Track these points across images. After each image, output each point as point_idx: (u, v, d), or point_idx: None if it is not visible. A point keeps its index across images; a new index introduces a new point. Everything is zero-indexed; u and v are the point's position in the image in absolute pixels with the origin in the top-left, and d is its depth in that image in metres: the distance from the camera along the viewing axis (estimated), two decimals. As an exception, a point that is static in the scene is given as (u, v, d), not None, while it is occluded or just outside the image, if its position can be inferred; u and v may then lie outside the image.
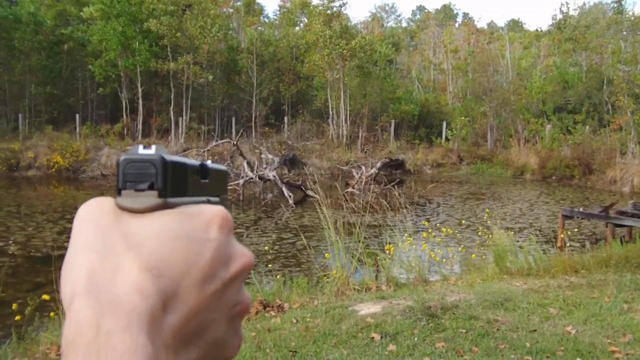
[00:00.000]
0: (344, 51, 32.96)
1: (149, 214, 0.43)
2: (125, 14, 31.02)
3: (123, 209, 0.43)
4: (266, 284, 8.52)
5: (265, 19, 54.49)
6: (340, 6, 38.10)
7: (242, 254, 0.47)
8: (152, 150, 0.44)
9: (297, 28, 40.50)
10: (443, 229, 12.03)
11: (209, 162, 0.52)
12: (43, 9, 34.87)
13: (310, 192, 16.82)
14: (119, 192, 0.43)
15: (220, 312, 0.46)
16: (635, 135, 28.22)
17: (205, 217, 0.45)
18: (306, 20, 41.88)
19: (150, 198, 0.43)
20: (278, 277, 8.21)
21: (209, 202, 0.50)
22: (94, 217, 0.43)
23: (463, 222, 14.65)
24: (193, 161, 0.49)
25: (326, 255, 8.62)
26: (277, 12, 54.11)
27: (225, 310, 0.46)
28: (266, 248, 11.13)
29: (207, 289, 0.43)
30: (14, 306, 6.65)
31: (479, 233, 12.47)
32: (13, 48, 31.74)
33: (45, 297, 6.53)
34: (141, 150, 0.44)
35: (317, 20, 35.35)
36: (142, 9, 31.28)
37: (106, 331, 0.36)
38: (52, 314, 6.31)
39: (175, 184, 0.45)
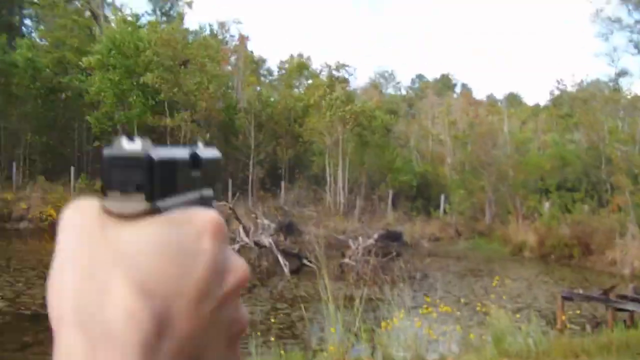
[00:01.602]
0: (346, 115, 33.17)
1: (136, 221, 0.39)
2: (121, 65, 31.23)
3: (110, 213, 0.39)
4: (260, 355, 8.29)
5: (265, 76, 55.02)
6: (349, 75, 38.78)
7: (238, 266, 0.43)
8: (138, 146, 0.40)
9: (295, 90, 40.91)
10: (441, 305, 11.84)
11: (200, 147, 0.48)
12: (41, 55, 35.00)
13: (307, 262, 16.66)
14: (103, 192, 0.40)
15: (218, 332, 0.42)
16: (634, 216, 28.18)
17: (197, 224, 0.41)
18: (305, 83, 42.36)
19: (138, 202, 0.39)
20: (281, 351, 8.00)
21: (201, 196, 0.46)
22: (78, 224, 0.40)
23: (462, 300, 14.46)
24: (183, 152, 0.45)
25: (332, 329, 8.41)
26: (277, 73, 54.85)
27: (222, 329, 0.42)
28: (273, 320, 10.92)
29: (202, 309, 0.39)
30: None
31: (477, 309, 12.28)
32: (10, 94, 31.76)
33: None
34: (126, 144, 0.40)
35: (320, 82, 35.77)
36: (138, 62, 31.52)
37: None
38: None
39: (164, 184, 0.41)
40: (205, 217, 0.42)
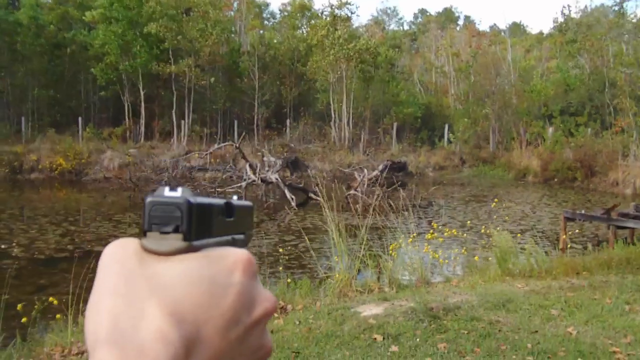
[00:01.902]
0: (350, 52, 32.99)
1: (173, 257, 0.43)
2: (124, 17, 31.09)
3: (148, 251, 0.43)
4: (270, 285, 8.54)
5: (268, 20, 54.53)
6: (351, 13, 38.34)
7: (266, 299, 0.47)
8: (178, 193, 0.44)
9: (298, 31, 40.57)
10: (446, 230, 12.05)
11: (234, 199, 0.53)
12: (45, 12, 34.95)
13: (312, 195, 16.84)
14: (144, 234, 0.44)
15: (243, 356, 0.45)
16: (637, 137, 28.22)
17: (229, 261, 0.45)
18: (307, 24, 41.92)
19: (175, 241, 0.43)
20: (283, 279, 8.23)
21: (233, 240, 0.51)
22: (118, 259, 0.43)
23: (468, 222, 14.67)
24: (219, 201, 0.49)
25: (335, 258, 8.63)
26: (279, 15, 54.24)
27: (248, 354, 0.46)
28: (281, 250, 11.14)
29: (230, 334, 0.43)
30: (19, 307, 6.68)
31: (482, 232, 12.49)
32: (15, 52, 31.87)
33: (53, 300, 6.56)
34: (167, 192, 0.45)
35: (323, 22, 35.43)
36: (141, 12, 31.36)
37: None
38: (57, 315, 6.33)
39: (200, 226, 0.45)
40: (237, 254, 0.46)
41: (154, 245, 0.43)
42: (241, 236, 0.53)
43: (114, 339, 0.38)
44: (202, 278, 0.42)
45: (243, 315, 0.44)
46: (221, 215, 0.49)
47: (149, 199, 0.44)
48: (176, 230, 0.43)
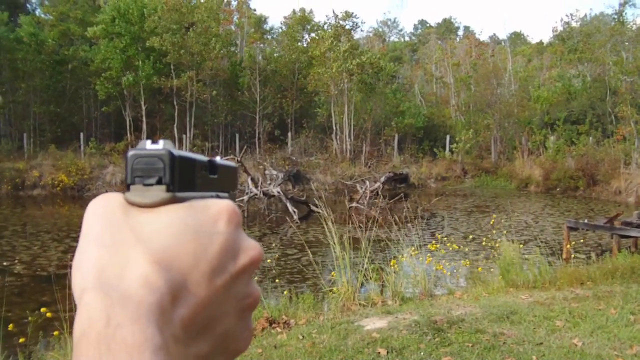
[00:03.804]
0: (353, 67, 33.12)
1: (157, 208, 0.44)
2: (126, 32, 31.28)
3: (132, 203, 0.44)
4: (272, 300, 8.52)
5: (268, 33, 54.72)
6: (354, 27, 38.47)
7: (251, 247, 0.48)
8: (160, 145, 0.45)
9: (299, 44, 40.74)
10: (449, 243, 12.03)
11: (218, 158, 0.53)
12: (47, 29, 35.19)
13: (314, 208, 16.82)
14: (127, 187, 0.44)
15: (230, 304, 0.46)
16: (639, 145, 28.21)
17: (213, 210, 0.46)
18: (308, 37, 42.09)
19: (159, 192, 0.43)
20: (285, 292, 8.21)
21: (217, 197, 0.50)
22: (103, 212, 0.44)
23: (471, 236, 14.65)
24: (201, 157, 0.50)
25: (332, 274, 8.60)
26: (280, 29, 54.40)
27: (234, 303, 0.47)
28: (269, 260, 11.15)
29: (215, 282, 0.43)
30: (10, 326, 6.66)
31: (483, 244, 12.46)
32: (16, 69, 32.02)
33: (48, 313, 6.54)
34: (149, 145, 0.45)
35: (326, 34, 35.56)
36: (143, 27, 31.55)
37: (116, 323, 0.37)
38: (55, 332, 6.31)
39: (183, 179, 0.45)
40: (221, 204, 0.47)
41: (137, 198, 0.44)
42: (225, 194, 0.53)
43: (100, 285, 0.39)
44: (186, 227, 0.43)
45: (229, 263, 0.45)
46: (204, 170, 0.50)
47: (131, 152, 0.44)
48: (159, 182, 0.44)
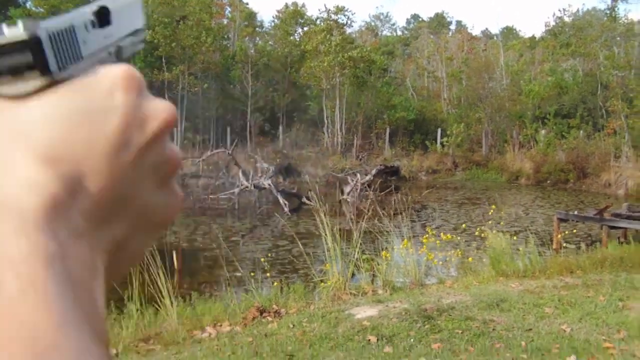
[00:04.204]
0: (345, 60, 33.12)
1: (35, 97, 0.37)
2: (118, 25, 31.24)
3: (3, 98, 0.37)
4: (263, 290, 8.53)
5: (260, 29, 54.67)
6: (347, 23, 38.58)
7: (160, 109, 0.42)
8: (19, 28, 0.35)
9: (291, 37, 40.70)
10: (442, 234, 12.07)
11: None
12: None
13: (305, 200, 16.84)
14: None
15: (144, 177, 0.41)
16: (629, 139, 28.35)
17: (105, 82, 0.39)
18: (301, 31, 42.07)
19: (33, 80, 0.36)
20: (275, 283, 8.22)
21: (119, 49, 0.44)
22: None
23: (464, 225, 14.70)
24: (83, 11, 0.41)
25: (326, 265, 8.61)
26: (272, 22, 54.31)
27: (150, 173, 0.42)
28: (262, 259, 11.15)
29: (120, 160, 0.38)
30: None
31: (477, 234, 12.51)
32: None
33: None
34: (6, 29, 0.36)
35: (319, 28, 35.59)
36: (135, 19, 31.49)
37: None
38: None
39: (62, 54, 0.37)
40: (114, 73, 0.40)
41: (8, 90, 0.36)
42: (130, 39, 0.46)
43: None
44: (74, 110, 0.37)
45: (133, 136, 0.39)
46: (92, 27, 0.41)
47: None
48: (31, 68, 0.36)
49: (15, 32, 0.35)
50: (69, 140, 0.36)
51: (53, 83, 0.37)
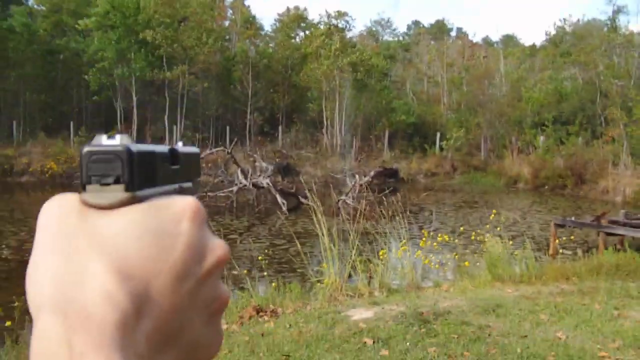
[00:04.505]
0: (343, 65, 33.20)
1: (115, 210, 0.39)
2: (121, 24, 31.18)
3: (88, 205, 0.39)
4: (260, 289, 8.54)
5: (262, 32, 54.67)
6: (347, 27, 38.65)
7: (217, 246, 0.44)
8: (117, 141, 0.41)
9: (292, 41, 40.74)
10: (439, 236, 12.08)
11: (179, 145, 0.50)
12: (39, 20, 35.09)
13: (303, 200, 16.84)
14: (83, 187, 0.40)
15: (197, 310, 0.43)
16: (627, 147, 28.42)
17: (176, 209, 0.41)
18: (302, 34, 42.14)
19: (117, 192, 0.39)
20: (274, 284, 8.23)
21: (181, 189, 0.48)
22: (58, 216, 0.39)
23: (462, 228, 14.71)
24: (162, 147, 0.46)
25: (323, 265, 8.62)
26: (274, 25, 54.30)
27: (202, 307, 0.43)
28: (260, 258, 11.15)
29: (181, 288, 0.40)
30: (-1, 310, 6.66)
31: (472, 238, 12.52)
32: (7, 57, 31.82)
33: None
34: (105, 140, 0.41)
35: (319, 31, 35.66)
36: (137, 20, 31.47)
37: (79, 352, 0.34)
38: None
39: (143, 175, 0.41)
40: (184, 202, 0.42)
41: (94, 199, 0.39)
42: (189, 184, 0.51)
43: (57, 303, 0.36)
44: (147, 230, 0.39)
45: (194, 266, 0.41)
46: (165, 162, 0.46)
47: (85, 149, 0.41)
48: (117, 181, 0.40)
49: (113, 143, 0.40)
50: (141, 258, 0.38)
51: (132, 200, 0.40)
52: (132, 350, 0.36)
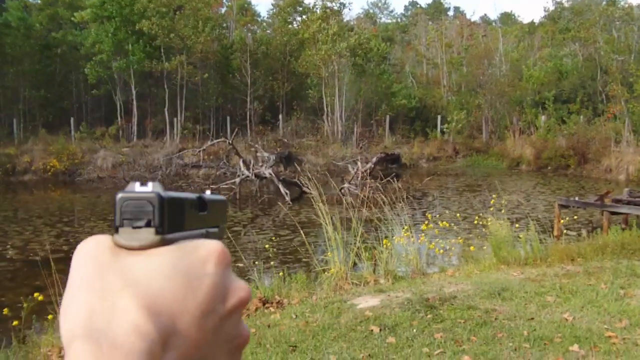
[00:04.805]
0: (342, 49, 33.09)
1: (146, 251, 0.43)
2: (118, 15, 31.06)
3: (121, 246, 0.43)
4: (265, 280, 8.56)
5: (258, 19, 54.53)
6: (341, 7, 38.44)
7: (240, 288, 0.47)
8: (149, 188, 0.45)
9: (289, 26, 40.57)
10: (441, 222, 12.07)
11: (207, 193, 0.53)
12: (34, 13, 34.91)
13: (306, 189, 16.83)
14: (116, 230, 0.44)
15: (220, 346, 0.46)
16: (629, 123, 28.32)
17: (202, 252, 0.45)
18: (299, 19, 41.92)
19: (148, 235, 0.43)
20: (279, 273, 8.24)
21: (207, 234, 0.51)
22: (92, 255, 0.43)
23: (463, 213, 14.72)
24: (191, 195, 0.49)
25: (329, 254, 8.62)
26: (270, 11, 54.20)
27: (224, 344, 0.47)
28: (267, 246, 11.15)
29: (205, 325, 0.43)
30: (5, 311, 6.66)
31: (475, 222, 12.51)
32: (5, 53, 31.75)
33: (40, 297, 6.54)
34: (138, 187, 0.45)
35: (315, 15, 35.51)
36: (133, 10, 31.35)
37: None
38: (49, 316, 6.32)
39: (172, 220, 0.45)
40: (211, 246, 0.46)
41: (126, 241, 0.43)
42: (215, 229, 0.54)
43: (89, 333, 0.38)
44: (175, 270, 0.43)
45: (218, 305, 0.45)
46: (194, 209, 0.49)
47: (119, 195, 0.44)
48: (148, 225, 0.43)
49: (145, 190, 0.44)
50: (169, 296, 0.42)
51: (162, 242, 0.44)
52: None
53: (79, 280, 0.42)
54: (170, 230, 0.44)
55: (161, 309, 0.41)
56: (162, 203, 0.44)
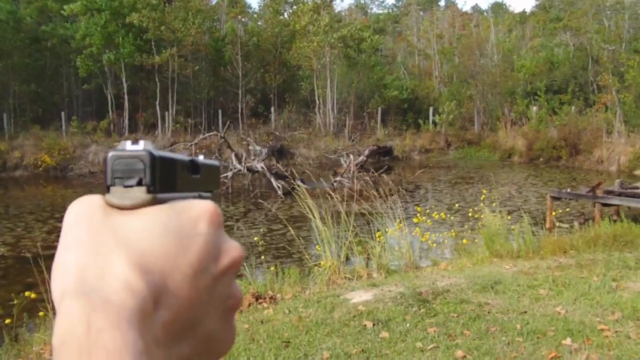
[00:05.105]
0: (334, 40, 33.03)
1: (138, 210, 0.43)
2: (107, 7, 30.88)
3: (112, 205, 0.43)
4: (258, 276, 8.54)
5: (249, 10, 54.39)
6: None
7: (232, 248, 0.47)
8: (140, 146, 0.44)
9: (280, 17, 40.46)
10: (434, 214, 12.08)
11: (200, 157, 0.53)
12: (23, 6, 34.63)
13: (299, 183, 16.81)
14: (107, 189, 0.43)
15: (212, 306, 0.46)
16: (620, 114, 28.38)
17: (194, 211, 0.45)
18: (290, 10, 41.80)
19: (139, 194, 0.43)
20: (272, 268, 8.22)
21: (200, 197, 0.50)
22: (83, 214, 0.43)
23: (457, 205, 14.73)
24: (183, 156, 0.49)
25: (317, 247, 8.62)
26: (261, 3, 54.07)
27: (217, 304, 0.46)
28: (256, 239, 11.16)
29: (197, 283, 0.43)
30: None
31: (469, 215, 12.52)
32: (-6, 47, 31.53)
33: (32, 295, 6.51)
34: (129, 146, 0.44)
35: (306, 7, 35.42)
36: (122, 3, 31.17)
37: (97, 329, 0.37)
38: (41, 313, 6.29)
39: (164, 180, 0.45)
40: (203, 205, 0.46)
41: (118, 200, 0.43)
42: (208, 194, 0.53)
43: (80, 289, 0.39)
44: (167, 228, 0.43)
45: (210, 265, 0.45)
46: (186, 170, 0.49)
47: (111, 154, 0.44)
48: (140, 184, 0.43)
49: (136, 148, 0.44)
50: (160, 254, 0.42)
51: (154, 201, 0.43)
52: (149, 334, 0.39)
53: (71, 239, 0.42)
54: (162, 190, 0.44)
55: (153, 267, 0.41)
56: (153, 161, 0.43)
